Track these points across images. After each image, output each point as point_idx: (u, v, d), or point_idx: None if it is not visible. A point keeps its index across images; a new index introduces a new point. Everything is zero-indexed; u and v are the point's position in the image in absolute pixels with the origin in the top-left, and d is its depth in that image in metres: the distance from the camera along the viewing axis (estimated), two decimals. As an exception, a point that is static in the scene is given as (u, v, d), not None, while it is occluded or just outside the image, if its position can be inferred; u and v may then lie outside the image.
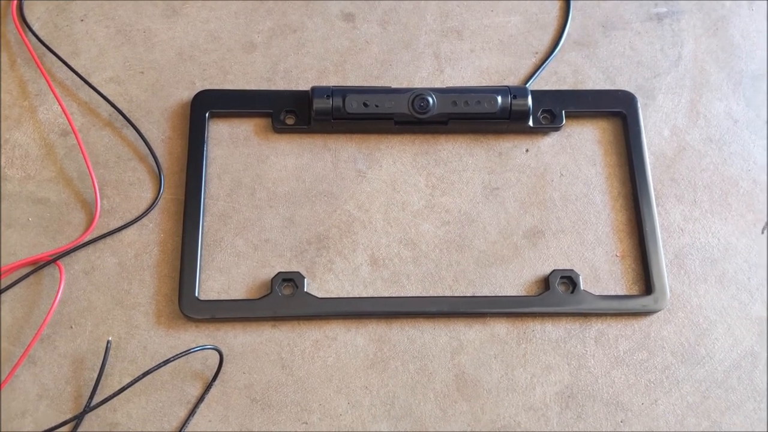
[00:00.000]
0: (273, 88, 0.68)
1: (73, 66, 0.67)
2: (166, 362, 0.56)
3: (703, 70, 0.70)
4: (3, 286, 0.59)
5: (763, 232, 0.64)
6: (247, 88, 0.67)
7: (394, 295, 0.61)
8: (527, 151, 0.66)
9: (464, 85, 0.69)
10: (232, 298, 0.60)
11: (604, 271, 0.62)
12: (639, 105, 0.67)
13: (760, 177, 0.66)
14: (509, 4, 0.72)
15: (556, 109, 0.66)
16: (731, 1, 0.73)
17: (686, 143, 0.67)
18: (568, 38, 0.71)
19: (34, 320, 0.58)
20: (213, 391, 0.57)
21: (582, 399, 0.58)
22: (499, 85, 0.68)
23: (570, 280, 0.61)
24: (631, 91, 0.68)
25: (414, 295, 0.61)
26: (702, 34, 0.72)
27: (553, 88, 0.69)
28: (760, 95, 0.69)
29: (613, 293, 0.62)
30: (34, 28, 0.68)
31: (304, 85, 0.68)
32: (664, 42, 0.71)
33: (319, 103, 0.64)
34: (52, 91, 0.65)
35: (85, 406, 0.55)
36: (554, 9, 0.72)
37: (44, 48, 0.67)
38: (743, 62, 0.71)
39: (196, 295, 0.59)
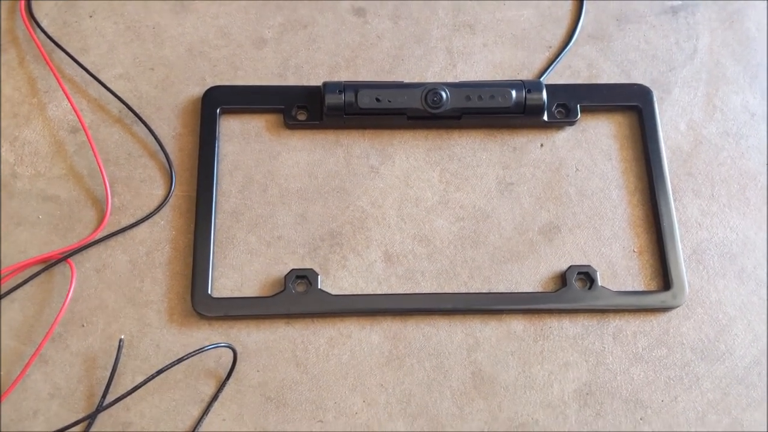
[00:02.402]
0: (284, 83, 0.67)
1: (82, 62, 0.66)
2: (179, 361, 0.55)
3: (719, 64, 0.69)
4: (14, 285, 0.58)
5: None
6: (258, 83, 0.67)
7: (408, 292, 0.60)
8: (542, 145, 0.66)
9: (477, 79, 0.68)
10: (245, 296, 0.59)
11: (621, 267, 0.61)
12: (655, 99, 0.66)
13: (779, 171, 0.65)
14: (522, -2, 0.72)
15: (570, 103, 0.66)
16: (747, -7, 0.73)
17: (703, 137, 0.66)
18: (582, 32, 0.70)
19: (45, 319, 0.58)
20: (227, 389, 0.57)
21: (600, 396, 0.58)
22: (513, 79, 0.67)
23: (587, 275, 0.60)
24: (647, 84, 0.67)
25: (429, 291, 0.60)
26: (717, 27, 0.71)
27: (568, 83, 0.68)
28: (777, 88, 0.69)
29: (630, 289, 0.61)
30: (42, 25, 0.68)
31: (316, 81, 0.67)
32: (679, 35, 0.70)
33: (331, 99, 0.63)
34: (62, 87, 0.64)
35: (98, 406, 0.55)
36: (567, 2, 0.72)
37: (53, 45, 0.67)
38: (759, 55, 0.70)
39: (209, 292, 0.58)
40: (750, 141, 0.66)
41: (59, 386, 0.56)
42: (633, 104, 0.66)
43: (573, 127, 0.66)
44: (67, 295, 0.57)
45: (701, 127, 0.67)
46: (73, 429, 0.54)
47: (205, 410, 0.56)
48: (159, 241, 0.61)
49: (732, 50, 0.70)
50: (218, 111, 0.64)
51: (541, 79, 0.67)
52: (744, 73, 0.69)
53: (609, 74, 0.68)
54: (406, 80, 0.67)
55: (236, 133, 0.65)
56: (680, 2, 0.72)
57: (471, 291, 0.60)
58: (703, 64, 0.69)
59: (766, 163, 0.65)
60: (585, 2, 0.71)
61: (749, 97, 0.68)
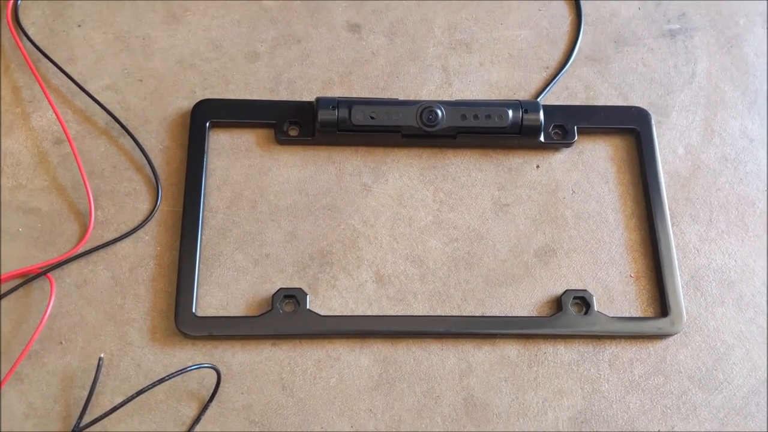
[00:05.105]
0: (276, 98, 0.66)
1: (69, 72, 0.64)
2: (160, 381, 0.53)
3: (718, 88, 0.69)
4: (-10, 299, 0.56)
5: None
6: (250, 98, 0.65)
7: (400, 314, 0.59)
8: (538, 167, 0.64)
9: (473, 98, 0.67)
10: (231, 315, 0.58)
11: (618, 292, 0.60)
12: (653, 122, 0.65)
13: (777, 197, 0.64)
14: (519, 18, 0.71)
15: (568, 124, 0.65)
16: (745, 19, 0.72)
17: (701, 162, 0.65)
18: (580, 53, 0.69)
19: (22, 335, 0.56)
20: (209, 412, 0.55)
21: (596, 425, 0.56)
22: (510, 99, 0.66)
23: (583, 300, 0.59)
24: (645, 108, 0.66)
25: (421, 314, 0.59)
26: (716, 52, 0.70)
27: (565, 104, 0.67)
28: (776, 114, 0.68)
29: (627, 315, 0.59)
30: (29, 33, 0.66)
31: (308, 97, 0.66)
32: (677, 59, 0.70)
33: (324, 115, 0.62)
34: (47, 97, 0.63)
35: (74, 427, 0.53)
36: (565, 23, 0.71)
37: (39, 53, 0.65)
38: (758, 81, 0.69)
39: (193, 311, 0.56)
40: (748, 167, 0.65)
41: (35, 406, 0.54)
42: (631, 127, 0.65)
43: (570, 149, 0.65)
44: (46, 311, 0.56)
45: (699, 151, 0.66)
46: (48, 451, 0.52)
47: (187, 433, 0.54)
48: (143, 256, 0.59)
49: (730, 75, 0.69)
50: (208, 125, 0.63)
51: (538, 100, 0.66)
52: (743, 98, 0.68)
53: (606, 96, 0.68)
54: (401, 98, 0.66)
55: (225, 148, 0.63)
56: (679, 26, 0.71)
57: (464, 314, 0.59)
58: (702, 88, 0.69)
59: (764, 189, 0.64)
60: (583, 24, 0.71)
61: (748, 123, 0.67)
